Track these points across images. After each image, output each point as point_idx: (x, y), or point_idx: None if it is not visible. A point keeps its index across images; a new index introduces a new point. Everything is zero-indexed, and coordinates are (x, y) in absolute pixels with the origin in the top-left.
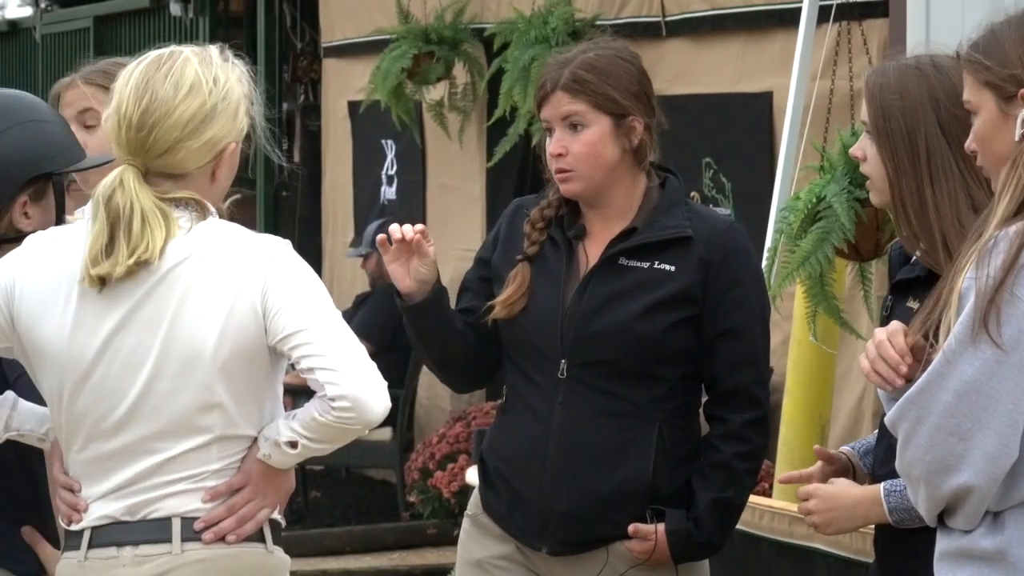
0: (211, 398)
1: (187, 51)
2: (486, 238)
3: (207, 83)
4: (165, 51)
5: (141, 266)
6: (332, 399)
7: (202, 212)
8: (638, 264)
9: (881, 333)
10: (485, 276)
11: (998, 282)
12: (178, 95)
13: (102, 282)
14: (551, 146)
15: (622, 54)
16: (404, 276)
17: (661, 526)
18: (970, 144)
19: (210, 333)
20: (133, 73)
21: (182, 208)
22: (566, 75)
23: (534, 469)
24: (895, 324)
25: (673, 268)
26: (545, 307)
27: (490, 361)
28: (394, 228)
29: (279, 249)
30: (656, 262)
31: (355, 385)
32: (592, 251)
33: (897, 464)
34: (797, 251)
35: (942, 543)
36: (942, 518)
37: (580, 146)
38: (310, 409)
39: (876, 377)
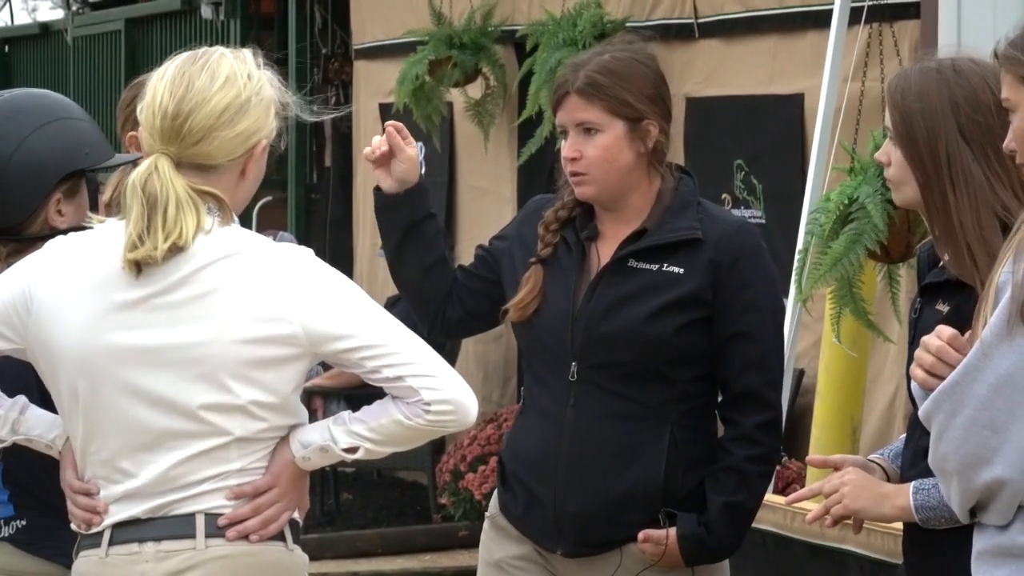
0: (234, 401)
1: (222, 49)
2: (510, 222)
3: (242, 76)
4: (200, 50)
5: (175, 252)
6: (429, 403)
7: (224, 216)
8: (647, 266)
9: (935, 341)
10: (493, 251)
11: None
12: (214, 85)
13: (138, 267)
14: (565, 150)
15: (639, 56)
16: (386, 177)
17: (672, 531)
18: (1009, 143)
19: (237, 337)
20: (168, 69)
21: (206, 208)
22: (580, 79)
23: (548, 471)
24: (946, 331)
25: (681, 271)
26: (556, 309)
27: (448, 298)
28: (375, 140)
29: (309, 259)
30: (665, 264)
31: (455, 390)
32: (604, 252)
33: (930, 458)
34: (829, 253)
35: (979, 542)
36: (975, 517)
37: (594, 150)
38: (390, 414)
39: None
